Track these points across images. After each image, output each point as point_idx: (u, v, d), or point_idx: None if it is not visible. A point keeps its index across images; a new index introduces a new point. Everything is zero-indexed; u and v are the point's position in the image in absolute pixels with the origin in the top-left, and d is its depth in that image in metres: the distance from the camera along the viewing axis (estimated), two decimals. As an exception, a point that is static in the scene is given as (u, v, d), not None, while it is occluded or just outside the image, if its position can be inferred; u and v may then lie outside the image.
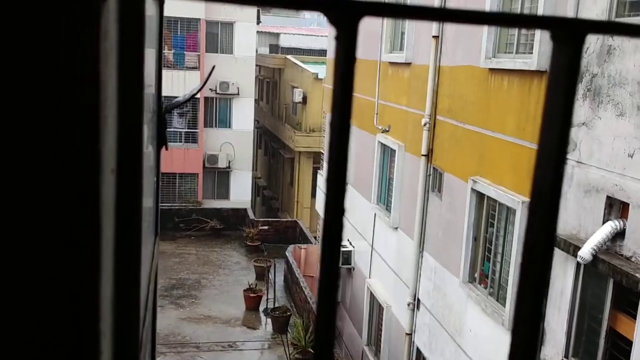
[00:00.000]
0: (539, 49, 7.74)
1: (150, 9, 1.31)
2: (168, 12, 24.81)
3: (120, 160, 0.63)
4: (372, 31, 14.01)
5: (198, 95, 26.23)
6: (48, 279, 0.53)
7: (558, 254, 7.28)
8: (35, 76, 0.46)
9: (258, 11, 28.34)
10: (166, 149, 1.60)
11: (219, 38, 27.33)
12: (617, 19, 6.59)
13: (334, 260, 0.44)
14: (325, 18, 0.42)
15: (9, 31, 0.47)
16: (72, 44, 0.45)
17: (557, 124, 0.45)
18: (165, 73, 28.10)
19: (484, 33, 9.06)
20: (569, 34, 0.45)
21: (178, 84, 25.70)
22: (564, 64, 0.45)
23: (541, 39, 7.73)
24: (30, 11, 0.45)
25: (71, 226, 0.49)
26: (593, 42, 6.80)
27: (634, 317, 6.20)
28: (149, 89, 1.30)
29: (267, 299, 18.25)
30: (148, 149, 1.35)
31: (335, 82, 0.43)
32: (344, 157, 0.42)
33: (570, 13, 7.17)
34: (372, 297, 13.86)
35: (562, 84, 0.45)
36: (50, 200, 0.48)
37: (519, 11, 8.53)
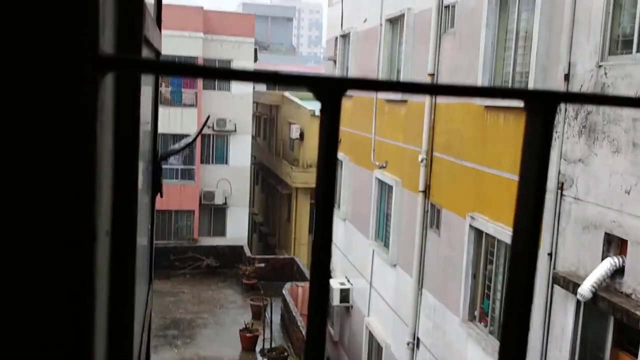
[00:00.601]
0: (534, 85, 7.82)
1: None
2: (166, 50, 25.08)
3: (114, 223, 0.61)
4: (368, 69, 14.18)
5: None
6: (41, 346, 0.52)
7: (558, 291, 7.22)
8: (35, 147, 0.46)
9: (255, 49, 28.71)
10: (161, 196, 1.58)
11: (216, 76, 27.57)
12: (610, 56, 6.67)
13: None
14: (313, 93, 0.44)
15: (13, 100, 0.47)
16: (70, 116, 0.45)
17: (531, 191, 0.48)
18: (162, 110, 28.34)
19: (479, 71, 9.17)
20: (541, 105, 0.47)
21: (175, 121, 25.86)
22: (537, 133, 0.46)
23: (535, 77, 7.82)
24: (33, 84, 0.45)
25: (64, 289, 0.48)
26: (587, 80, 6.87)
27: (636, 355, 6.12)
28: (146, 139, 1.30)
29: (263, 339, 18.00)
30: (144, 198, 1.33)
31: (320, 150, 0.46)
32: (329, 231, 0.43)
33: (564, 52, 7.26)
34: (371, 336, 13.69)
35: (536, 151, 0.47)
36: (44, 266, 0.47)
37: (512, 55, 8.63)
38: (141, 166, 1.22)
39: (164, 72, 0.42)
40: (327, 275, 0.47)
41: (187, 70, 0.49)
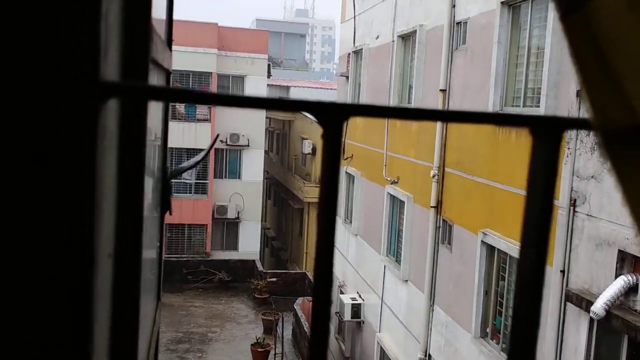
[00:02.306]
0: (546, 102, 7.81)
1: (158, 83, 1.34)
2: (180, 65, 25.36)
3: (118, 246, 0.63)
4: (380, 84, 14.22)
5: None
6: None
7: (571, 309, 7.15)
8: (31, 173, 0.47)
9: (269, 65, 28.89)
10: (170, 214, 1.60)
11: (230, 91, 27.74)
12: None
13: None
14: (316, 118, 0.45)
15: (10, 123, 0.48)
16: (69, 143, 0.47)
17: (536, 215, 0.47)
18: (176, 125, 28.40)
19: (491, 86, 9.16)
20: (547, 131, 0.47)
21: (189, 136, 26.02)
22: (543, 159, 0.47)
23: (547, 93, 7.80)
24: (32, 111, 0.47)
25: (65, 321, 0.49)
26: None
27: (651, 375, 6.03)
28: (154, 157, 1.32)
29: (275, 354, 17.92)
30: (152, 215, 1.35)
31: (323, 176, 0.47)
32: (331, 253, 0.44)
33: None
34: (383, 352, 13.59)
35: (542, 176, 0.47)
36: (40, 290, 0.48)
37: (524, 72, 8.63)
38: (150, 184, 1.24)
39: (164, 99, 0.43)
40: (329, 292, 0.48)
41: (187, 96, 0.51)
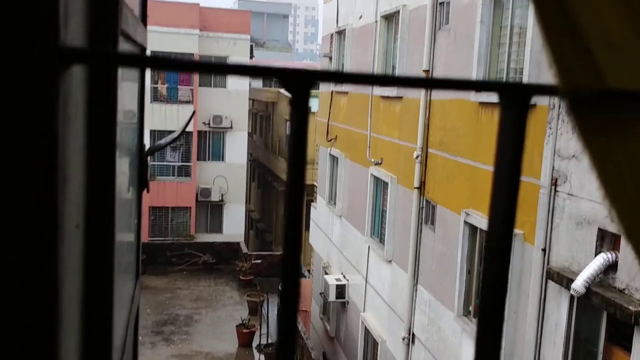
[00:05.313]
0: (528, 81, 7.83)
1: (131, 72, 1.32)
2: (162, 47, 25.06)
3: (89, 216, 0.62)
4: (364, 65, 14.18)
5: (191, 129, 26.32)
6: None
7: (552, 287, 7.25)
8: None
9: (251, 46, 28.68)
10: (147, 191, 1.59)
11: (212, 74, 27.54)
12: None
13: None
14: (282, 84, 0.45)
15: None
16: (27, 111, 0.46)
17: (504, 183, 0.49)
18: (158, 107, 28.14)
19: (474, 65, 9.18)
20: (515, 97, 0.47)
21: (171, 117, 25.82)
22: (511, 126, 0.47)
23: (529, 73, 7.83)
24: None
25: (28, 286, 0.48)
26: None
27: (629, 350, 6.15)
28: (131, 133, 1.30)
29: (260, 335, 18.03)
30: (129, 192, 1.34)
31: (291, 141, 0.47)
32: (299, 218, 0.44)
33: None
34: (367, 331, 13.72)
35: (510, 144, 0.47)
36: (4, 260, 0.48)
37: (506, 51, 8.65)
38: (125, 160, 1.22)
39: (125, 64, 0.42)
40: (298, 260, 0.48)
41: (153, 62, 0.50)
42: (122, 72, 0.97)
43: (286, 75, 0.46)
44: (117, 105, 0.74)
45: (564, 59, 0.47)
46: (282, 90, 31.90)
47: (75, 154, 0.56)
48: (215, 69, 0.47)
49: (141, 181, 1.44)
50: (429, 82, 0.52)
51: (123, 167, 1.12)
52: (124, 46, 0.92)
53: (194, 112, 3.54)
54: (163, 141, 2.27)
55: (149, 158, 1.63)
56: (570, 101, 0.48)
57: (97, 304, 0.68)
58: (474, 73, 9.19)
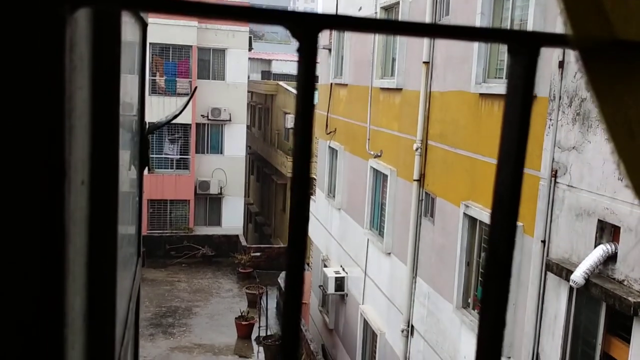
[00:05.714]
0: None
1: (133, 34, 1.31)
2: (160, 39, 25.02)
3: (93, 172, 0.61)
4: (363, 57, 14.15)
5: (190, 122, 26.28)
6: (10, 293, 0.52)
7: (551, 279, 7.26)
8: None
9: (250, 38, 28.59)
10: (149, 170, 1.58)
11: (210, 65, 27.51)
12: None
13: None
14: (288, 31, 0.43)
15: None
16: (34, 55, 0.45)
17: (514, 133, 0.48)
18: (157, 99, 28.09)
19: (474, 58, 9.15)
20: (524, 46, 0.47)
21: (170, 110, 25.72)
22: (520, 75, 0.47)
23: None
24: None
25: (35, 236, 0.47)
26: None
27: (628, 341, 6.16)
28: (132, 110, 1.29)
29: (259, 327, 18.06)
30: (130, 170, 1.33)
31: (298, 91, 0.45)
32: (308, 163, 0.44)
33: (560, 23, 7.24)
34: (366, 323, 13.74)
35: (520, 94, 0.47)
36: (12, 209, 0.47)
37: (509, 19, 8.61)
38: (127, 137, 1.21)
39: (130, 5, 0.41)
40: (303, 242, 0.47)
41: (161, 5, 0.48)
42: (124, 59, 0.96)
43: (293, 20, 0.44)
44: (121, 56, 0.73)
45: (576, 9, 0.46)
46: (281, 83, 31.74)
47: (80, 107, 0.55)
48: (214, 11, 0.45)
49: (142, 158, 1.43)
50: (435, 28, 0.51)
51: (126, 143, 1.11)
52: (127, 22, 0.91)
53: (195, 88, 3.53)
54: (164, 118, 2.26)
55: (149, 137, 1.62)
56: (582, 52, 0.48)
57: (102, 256, 0.67)
58: (474, 65, 9.17)
